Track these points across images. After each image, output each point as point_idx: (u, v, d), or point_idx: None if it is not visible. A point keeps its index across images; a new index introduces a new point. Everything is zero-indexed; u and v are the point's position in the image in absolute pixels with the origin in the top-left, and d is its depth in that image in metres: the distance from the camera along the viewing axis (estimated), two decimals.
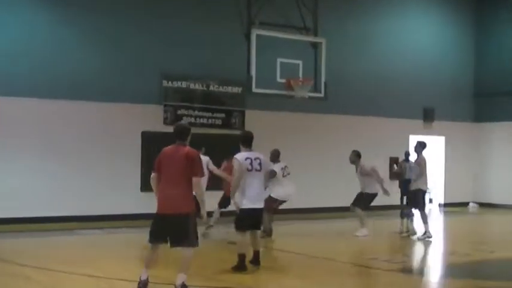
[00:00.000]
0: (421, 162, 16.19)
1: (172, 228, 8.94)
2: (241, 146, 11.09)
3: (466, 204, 25.76)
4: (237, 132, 19.42)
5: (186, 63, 19.44)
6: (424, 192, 16.26)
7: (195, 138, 18.80)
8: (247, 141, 11.10)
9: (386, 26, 24.01)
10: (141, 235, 16.57)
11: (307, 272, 11.57)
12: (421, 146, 16.48)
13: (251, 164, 10.79)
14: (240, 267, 10.75)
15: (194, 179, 8.99)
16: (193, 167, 9.02)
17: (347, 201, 16.57)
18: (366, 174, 16.24)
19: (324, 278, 11.04)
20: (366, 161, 16.43)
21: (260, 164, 10.91)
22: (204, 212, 9.35)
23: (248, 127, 19.45)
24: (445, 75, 25.56)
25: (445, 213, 24.19)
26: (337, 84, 20.41)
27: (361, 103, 22.81)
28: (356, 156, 16.42)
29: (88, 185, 18.13)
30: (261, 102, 19.64)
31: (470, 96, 26.58)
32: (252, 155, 10.94)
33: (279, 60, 18.10)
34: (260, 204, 10.97)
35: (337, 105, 21.25)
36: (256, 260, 11.14)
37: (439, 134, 25.48)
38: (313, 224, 18.55)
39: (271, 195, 15.38)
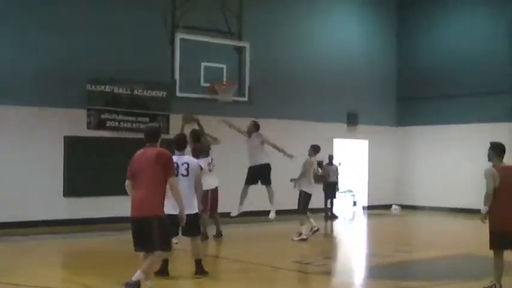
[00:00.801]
0: (306, 165, 16.37)
1: (138, 231, 8.86)
2: (175, 150, 10.93)
3: (389, 206, 26.22)
4: (162, 136, 19.40)
5: (111, 66, 19.20)
6: (305, 194, 16.33)
7: (118, 143, 18.84)
8: (178, 145, 10.94)
9: (311, 31, 24.27)
10: (65, 241, 16.47)
11: (226, 276, 11.62)
12: (313, 150, 16.74)
13: (177, 169, 10.58)
14: (161, 271, 10.64)
15: (169, 180, 8.94)
16: (165, 168, 8.91)
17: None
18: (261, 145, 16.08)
19: (244, 282, 11.08)
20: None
21: (187, 169, 10.71)
22: (182, 215, 9.30)
23: (173, 131, 19.35)
24: (369, 80, 25.98)
25: (369, 215, 24.56)
26: (261, 89, 20.51)
27: (286, 107, 22.97)
28: (253, 127, 16.32)
29: (9, 191, 17.69)
30: (185, 106, 19.50)
31: (393, 101, 27.09)
32: (180, 159, 10.72)
33: (203, 64, 18.07)
34: (187, 211, 10.44)
35: (262, 109, 21.30)
36: (198, 270, 10.88)
37: (363, 138, 25.89)
38: (237, 228, 18.55)
39: None
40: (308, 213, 16.46)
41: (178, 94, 17.55)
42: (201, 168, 15.29)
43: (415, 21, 26.79)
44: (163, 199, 8.99)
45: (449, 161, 25.10)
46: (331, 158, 22.47)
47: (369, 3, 26.48)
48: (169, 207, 10.40)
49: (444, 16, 25.98)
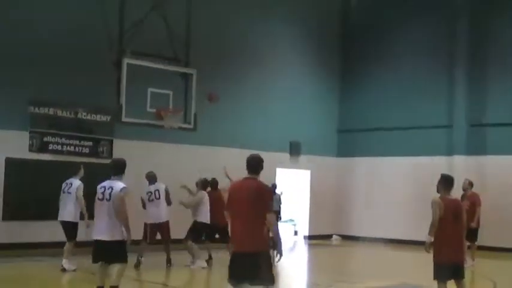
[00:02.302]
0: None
1: (246, 267, 8.15)
2: (111, 175, 10.70)
3: (329, 236, 26.40)
4: (105, 161, 19.25)
5: (55, 89, 18.94)
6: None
7: (61, 166, 18.57)
8: (115, 169, 10.67)
9: (258, 61, 24.32)
10: (2, 266, 16.08)
11: None
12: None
13: (103, 193, 10.34)
14: None
15: (267, 216, 8.17)
16: (263, 202, 8.25)
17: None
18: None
19: None
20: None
21: (110, 194, 10.30)
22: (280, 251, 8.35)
23: (116, 156, 19.23)
24: (312, 112, 26.26)
25: (310, 245, 24.67)
26: (207, 116, 20.54)
27: (230, 135, 22.94)
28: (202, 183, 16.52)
29: None
30: (130, 132, 19.44)
31: (334, 132, 27.43)
32: (108, 183, 10.44)
33: (149, 89, 18.06)
34: (106, 237, 10.25)
35: (207, 137, 21.34)
36: None
37: (305, 168, 26.07)
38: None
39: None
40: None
41: (124, 119, 17.48)
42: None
43: (359, 60, 27.20)
44: (264, 234, 8.30)
45: (387, 192, 25.46)
46: (274, 187, 22.49)
47: (312, 40, 26.71)
48: (95, 232, 10.38)
49: (384, 53, 26.47)
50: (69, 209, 14.53)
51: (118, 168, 10.65)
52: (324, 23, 27.20)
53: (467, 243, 15.57)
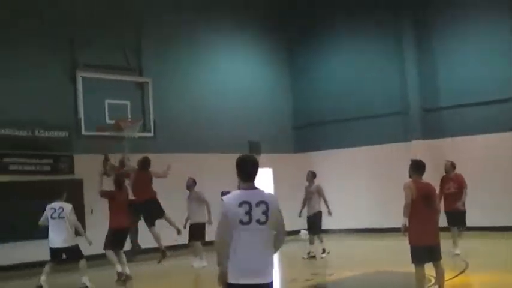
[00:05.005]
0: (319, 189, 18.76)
1: None
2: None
3: (297, 232, 26.42)
4: (66, 177, 18.91)
5: (10, 109, 18.65)
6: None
7: (22, 187, 18.25)
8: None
9: (212, 64, 24.38)
10: None
11: None
12: (313, 175, 18.87)
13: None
14: None
15: None
16: None
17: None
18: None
19: None
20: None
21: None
22: None
23: (78, 171, 19.05)
24: (267, 110, 26.37)
25: None
26: (166, 123, 20.46)
27: (190, 140, 22.84)
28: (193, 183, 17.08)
29: None
30: (90, 145, 19.15)
31: (290, 129, 27.56)
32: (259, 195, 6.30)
33: (106, 101, 17.90)
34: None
35: (167, 144, 21.21)
36: None
37: (267, 166, 26.09)
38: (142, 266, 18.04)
39: None
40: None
41: (83, 133, 17.33)
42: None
43: (304, 56, 27.50)
44: None
45: (350, 183, 25.64)
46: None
47: (264, 42, 26.91)
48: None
49: (333, 43, 26.73)
50: (66, 234, 13.98)
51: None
52: (274, 23, 27.39)
53: (458, 229, 15.83)
